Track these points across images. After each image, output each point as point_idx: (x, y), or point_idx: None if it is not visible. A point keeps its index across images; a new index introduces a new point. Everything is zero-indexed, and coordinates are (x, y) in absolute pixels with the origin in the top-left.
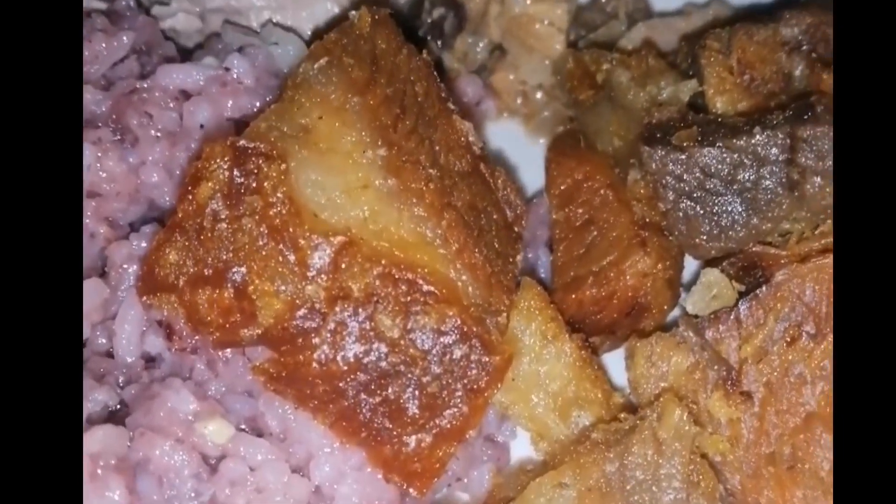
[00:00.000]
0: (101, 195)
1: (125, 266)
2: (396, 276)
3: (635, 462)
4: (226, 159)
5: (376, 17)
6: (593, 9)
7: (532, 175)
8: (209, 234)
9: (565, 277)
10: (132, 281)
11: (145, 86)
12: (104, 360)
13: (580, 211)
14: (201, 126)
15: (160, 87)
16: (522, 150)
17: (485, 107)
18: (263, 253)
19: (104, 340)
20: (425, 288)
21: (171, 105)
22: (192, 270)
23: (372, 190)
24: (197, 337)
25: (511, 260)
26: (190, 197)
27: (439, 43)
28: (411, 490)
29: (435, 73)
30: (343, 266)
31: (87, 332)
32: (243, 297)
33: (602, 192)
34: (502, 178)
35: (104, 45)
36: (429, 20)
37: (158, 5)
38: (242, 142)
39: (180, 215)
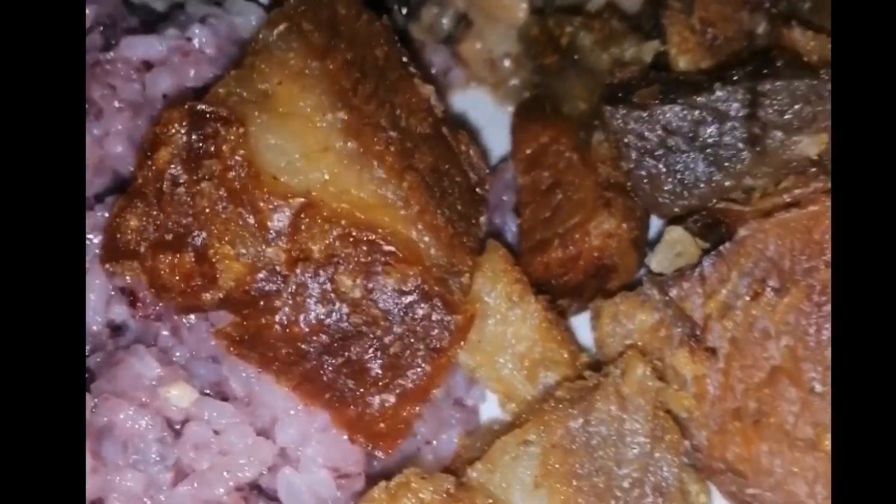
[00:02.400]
0: None
1: (90, 237)
2: (357, 237)
3: (599, 418)
4: (184, 124)
5: None
6: None
7: (500, 142)
8: (169, 199)
9: (532, 241)
10: (97, 251)
11: (108, 58)
12: None
13: (546, 174)
14: (164, 96)
15: (123, 59)
16: (491, 117)
17: (452, 76)
18: (223, 216)
19: None
20: (386, 248)
21: (134, 76)
22: (153, 236)
23: (332, 153)
24: (161, 304)
25: (474, 222)
26: (149, 162)
27: (405, 13)
28: (377, 451)
29: (396, 37)
30: (303, 228)
31: None
32: (204, 260)
33: (567, 154)
34: (465, 141)
35: None
36: None
37: None
38: (201, 106)
39: (140, 181)
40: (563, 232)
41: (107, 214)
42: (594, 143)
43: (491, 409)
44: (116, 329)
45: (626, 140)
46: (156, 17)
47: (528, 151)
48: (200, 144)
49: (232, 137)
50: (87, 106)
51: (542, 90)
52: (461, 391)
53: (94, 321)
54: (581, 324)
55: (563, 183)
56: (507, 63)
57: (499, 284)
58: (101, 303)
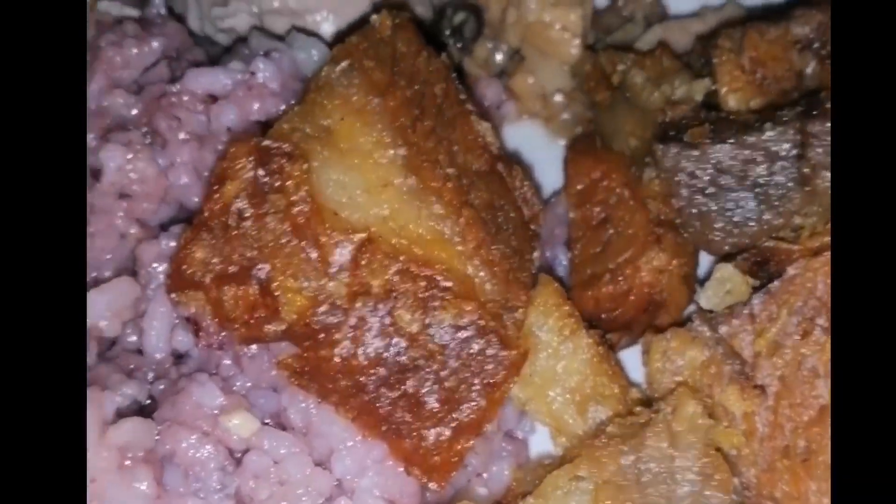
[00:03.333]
0: (132, 196)
1: (154, 265)
2: (415, 272)
3: (650, 455)
4: (250, 159)
5: (396, 20)
6: (611, 12)
7: (551, 176)
8: (234, 233)
9: (582, 275)
10: (161, 280)
11: (174, 90)
12: (134, 357)
13: (597, 209)
14: (228, 129)
15: (189, 91)
16: (542, 151)
17: (505, 110)
18: (287, 250)
19: (134, 338)
20: (443, 283)
21: (200, 108)
22: (218, 268)
23: (392, 189)
24: (223, 333)
25: (528, 257)
26: (216, 196)
27: (460, 48)
28: (431, 484)
29: (454, 75)
30: (363, 263)
31: (117, 330)
32: (267, 293)
33: (618, 190)
34: (519, 176)
35: (135, 50)
36: (450, 25)
37: (217, 7)
38: (266, 142)
39: (206, 214)
40: (613, 267)
41: (172, 244)
42: (645, 180)
43: (541, 442)
44: (179, 357)
45: (677, 178)
46: (220, 51)
47: (580, 186)
48: (266, 179)
49: (297, 173)
50: (153, 136)
51: (594, 126)
52: (511, 423)
53: (158, 349)
54: (630, 358)
55: (614, 218)
56: (558, 98)
57: (550, 319)
58: (165, 331)
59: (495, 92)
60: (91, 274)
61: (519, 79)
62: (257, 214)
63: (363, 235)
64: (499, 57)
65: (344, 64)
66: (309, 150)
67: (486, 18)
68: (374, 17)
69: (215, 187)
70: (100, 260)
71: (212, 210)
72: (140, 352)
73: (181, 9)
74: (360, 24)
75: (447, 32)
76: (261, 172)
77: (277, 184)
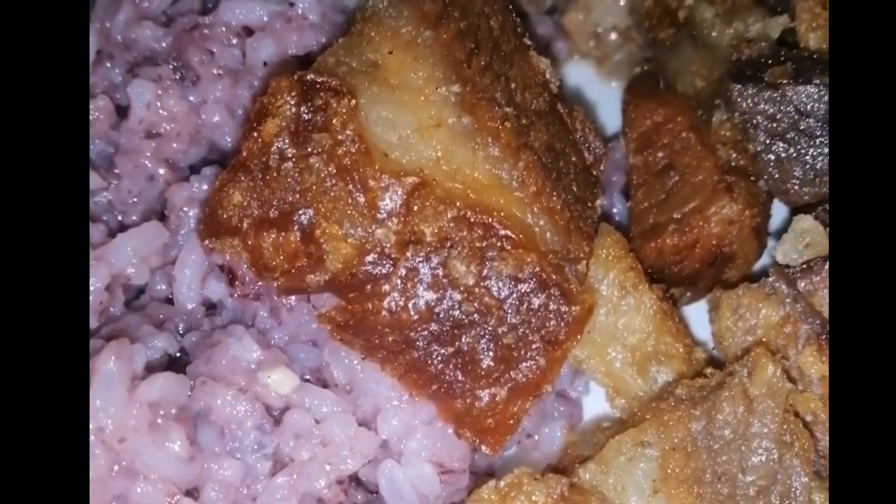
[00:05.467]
0: (161, 135)
1: (185, 209)
2: (472, 220)
3: (724, 420)
4: (293, 94)
5: None
6: None
7: (604, 118)
8: (275, 174)
9: (644, 225)
10: (192, 224)
11: (207, 22)
12: (163, 307)
13: (660, 155)
14: (264, 63)
15: (222, 23)
16: (595, 92)
17: (556, 48)
18: (332, 194)
19: (164, 286)
20: (502, 232)
21: (234, 42)
22: (256, 212)
23: (445, 128)
24: (260, 283)
25: (590, 205)
26: (255, 134)
27: None
28: (483, 447)
29: (510, 6)
30: (415, 209)
31: (145, 278)
32: (310, 240)
33: (684, 134)
34: (580, 118)
35: None
36: None
37: None
38: (310, 76)
39: (245, 154)
40: (679, 217)
41: (204, 187)
42: (715, 124)
43: (596, 403)
44: (212, 308)
45: (754, 121)
46: None
47: (641, 130)
48: (309, 116)
49: (343, 110)
50: (184, 72)
51: (653, 66)
52: (564, 383)
53: (189, 298)
54: (694, 315)
55: (678, 164)
56: (612, 36)
57: (611, 272)
58: (196, 279)
59: (546, 29)
60: (117, 217)
61: (571, 16)
62: (300, 155)
63: (415, 179)
64: None
65: None
66: (355, 86)
67: None
68: None
69: (254, 125)
70: (126, 203)
71: (250, 150)
72: (170, 301)
73: None
74: None
75: None
76: (304, 109)
77: (322, 121)
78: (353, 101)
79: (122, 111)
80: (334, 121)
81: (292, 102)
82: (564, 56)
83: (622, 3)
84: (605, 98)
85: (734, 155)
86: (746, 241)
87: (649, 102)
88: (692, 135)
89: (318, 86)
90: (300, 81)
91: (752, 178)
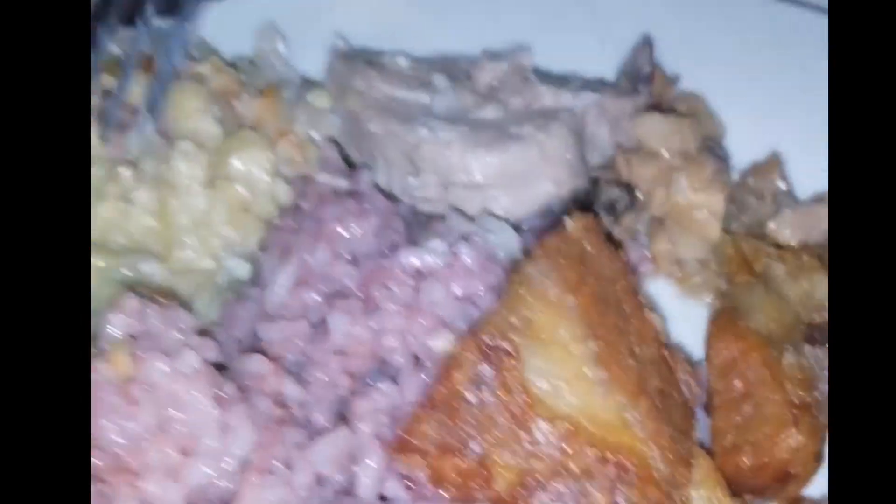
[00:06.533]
0: (347, 354)
1: (367, 419)
2: (609, 458)
3: None
4: (475, 353)
5: (585, 223)
6: (741, 188)
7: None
8: (459, 414)
9: (723, 441)
10: (370, 430)
11: (386, 264)
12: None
13: (739, 384)
14: (434, 303)
15: (400, 266)
16: (673, 308)
17: (644, 270)
18: (502, 432)
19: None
20: (630, 468)
21: (409, 282)
22: (441, 441)
23: (585, 380)
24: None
25: (688, 435)
26: (446, 382)
27: (612, 220)
28: None
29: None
30: (566, 448)
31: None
32: (482, 465)
33: (758, 370)
34: (681, 362)
35: (355, 226)
36: (605, 200)
37: (412, 177)
38: (489, 340)
39: (437, 397)
40: (754, 441)
41: (383, 400)
42: (785, 364)
43: None
44: (384, 499)
45: (823, 375)
46: (411, 216)
47: (723, 359)
48: (487, 371)
49: (512, 366)
50: (367, 303)
51: (728, 301)
52: None
53: (368, 494)
54: None
55: (754, 395)
56: (694, 264)
57: (704, 490)
58: (378, 479)
59: (637, 254)
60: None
61: (659, 245)
62: (479, 401)
63: (568, 426)
64: (642, 224)
65: (542, 262)
66: (519, 344)
67: (637, 195)
68: (568, 220)
69: (446, 374)
70: (313, 406)
71: (441, 393)
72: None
73: (381, 179)
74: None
75: (601, 207)
76: (484, 365)
77: (496, 375)
78: (521, 362)
79: (319, 328)
80: (506, 375)
81: (475, 360)
82: (650, 274)
83: (706, 244)
84: (683, 314)
85: (801, 393)
86: (808, 464)
87: (729, 336)
88: (766, 371)
89: (494, 348)
90: (482, 343)
91: (815, 414)
